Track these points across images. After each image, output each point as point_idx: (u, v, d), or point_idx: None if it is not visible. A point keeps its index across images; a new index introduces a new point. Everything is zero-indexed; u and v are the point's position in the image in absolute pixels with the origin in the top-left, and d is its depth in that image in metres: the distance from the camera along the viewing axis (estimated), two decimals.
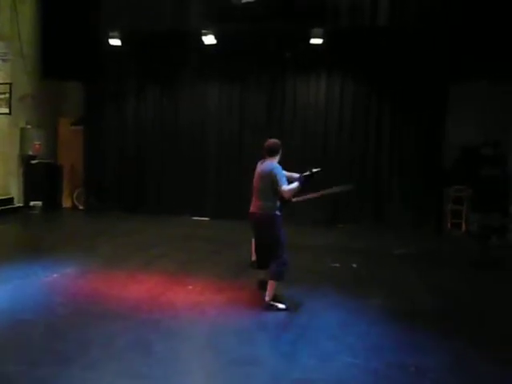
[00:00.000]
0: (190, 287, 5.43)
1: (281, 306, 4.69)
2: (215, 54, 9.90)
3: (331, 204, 10.35)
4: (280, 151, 4.87)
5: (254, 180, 4.87)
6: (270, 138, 5.00)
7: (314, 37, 9.30)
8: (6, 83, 10.13)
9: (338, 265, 6.77)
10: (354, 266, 6.78)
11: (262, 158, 4.89)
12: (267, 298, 4.68)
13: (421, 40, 9.21)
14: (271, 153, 4.83)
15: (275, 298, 4.72)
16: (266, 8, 8.75)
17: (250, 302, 4.92)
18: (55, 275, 5.66)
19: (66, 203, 11.44)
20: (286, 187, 4.62)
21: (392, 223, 10.04)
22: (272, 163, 4.76)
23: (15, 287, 5.15)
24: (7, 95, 10.16)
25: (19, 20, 9.93)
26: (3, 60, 10.18)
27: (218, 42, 9.54)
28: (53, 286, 5.28)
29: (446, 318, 4.79)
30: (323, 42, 9.35)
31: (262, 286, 4.90)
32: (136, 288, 5.34)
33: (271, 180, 4.64)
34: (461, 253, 8.28)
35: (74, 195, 11.34)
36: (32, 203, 10.40)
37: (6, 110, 10.21)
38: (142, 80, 10.90)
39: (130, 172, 11.09)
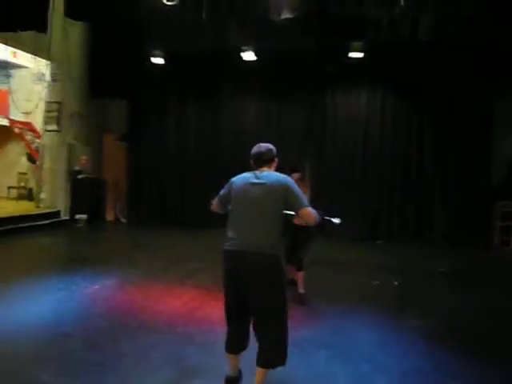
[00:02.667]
0: None
1: None
2: (255, 70, 10.01)
3: (370, 220, 10.16)
4: (276, 159, 3.35)
5: (247, 200, 3.11)
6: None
7: (354, 50, 9.27)
8: (56, 102, 10.66)
9: (377, 282, 6.59)
10: (396, 283, 6.58)
11: (250, 169, 3.30)
12: None
13: (463, 53, 8.97)
14: (268, 161, 3.27)
15: None
16: (304, 23, 8.78)
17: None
18: (96, 286, 5.82)
19: (110, 216, 11.80)
20: (311, 210, 3.13)
21: (435, 240, 9.72)
22: (281, 174, 3.20)
23: (58, 299, 5.32)
24: (56, 113, 10.68)
25: (69, 42, 10.44)
26: (54, 80, 10.73)
27: (257, 58, 9.67)
28: (93, 298, 5.42)
29: (487, 341, 4.53)
30: (363, 57, 9.30)
31: None
32: (173, 301, 5.39)
33: (283, 198, 3.08)
34: (509, 271, 7.88)
35: (117, 209, 11.68)
36: (77, 216, 10.79)
37: (55, 127, 10.73)
38: (182, 97, 11.17)
39: (170, 186, 11.34)
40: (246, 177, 3.21)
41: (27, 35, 8.42)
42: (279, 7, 7.97)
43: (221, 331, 4.47)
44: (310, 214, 3.12)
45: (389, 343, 4.38)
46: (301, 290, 5.46)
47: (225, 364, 3.37)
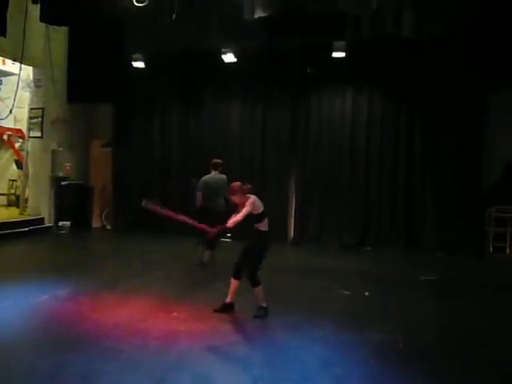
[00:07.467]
0: (175, 314, 5.10)
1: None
2: (236, 72, 9.74)
3: (360, 226, 9.74)
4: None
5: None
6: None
7: (336, 50, 8.91)
8: (39, 108, 10.56)
9: (348, 292, 6.19)
10: (367, 294, 6.17)
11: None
12: None
13: (451, 47, 8.52)
14: None
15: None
16: (284, 23, 8.48)
17: (229, 334, 4.49)
18: (45, 297, 5.56)
19: (96, 223, 11.61)
20: None
21: (426, 246, 9.25)
22: None
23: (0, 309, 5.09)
24: (40, 119, 10.57)
25: (51, 47, 10.33)
26: (37, 86, 10.65)
27: (238, 60, 9.39)
28: (37, 309, 5.16)
29: (452, 361, 4.09)
30: (346, 55, 8.93)
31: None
32: (119, 312, 5.10)
33: None
34: (501, 280, 7.34)
35: (103, 215, 11.50)
36: (61, 223, 10.64)
37: (38, 134, 10.62)
38: (166, 101, 10.95)
39: (156, 191, 11.06)
40: None
41: (4, 40, 8.33)
42: (252, 5, 7.68)
43: (153, 347, 4.20)
44: None
45: (334, 361, 3.98)
46: (263, 304, 5.04)
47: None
